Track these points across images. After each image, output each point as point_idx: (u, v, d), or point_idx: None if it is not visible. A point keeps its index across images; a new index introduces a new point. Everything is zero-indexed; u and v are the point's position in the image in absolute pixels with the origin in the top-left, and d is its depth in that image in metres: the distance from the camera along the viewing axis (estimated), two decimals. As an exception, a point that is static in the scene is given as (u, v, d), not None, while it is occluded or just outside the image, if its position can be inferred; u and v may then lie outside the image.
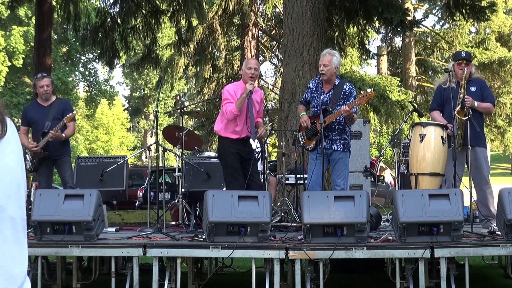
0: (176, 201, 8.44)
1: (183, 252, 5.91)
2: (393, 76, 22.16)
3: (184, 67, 21.88)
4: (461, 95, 6.83)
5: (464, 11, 13.07)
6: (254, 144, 8.77)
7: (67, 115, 7.45)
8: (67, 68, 33.35)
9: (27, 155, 7.64)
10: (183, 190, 7.92)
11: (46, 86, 7.63)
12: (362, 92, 6.82)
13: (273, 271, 5.71)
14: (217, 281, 7.55)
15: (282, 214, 8.08)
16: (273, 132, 12.09)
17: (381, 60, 25.63)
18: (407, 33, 19.56)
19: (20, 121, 8.13)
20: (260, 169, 8.34)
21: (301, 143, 7.19)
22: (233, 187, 6.78)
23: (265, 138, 8.88)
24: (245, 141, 7.04)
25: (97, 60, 25.83)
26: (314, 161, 6.91)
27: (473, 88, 7.08)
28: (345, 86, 6.98)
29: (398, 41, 26.08)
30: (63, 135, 7.51)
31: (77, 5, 15.73)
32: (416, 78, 25.70)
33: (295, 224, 7.53)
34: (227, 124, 7.01)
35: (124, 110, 48.98)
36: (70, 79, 34.58)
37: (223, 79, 22.69)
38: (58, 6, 15.99)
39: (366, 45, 17.84)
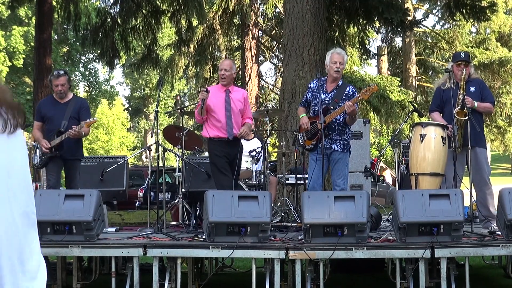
0: (176, 201, 8.44)
1: (183, 252, 5.91)
2: (393, 76, 22.17)
3: (184, 67, 21.89)
4: (461, 95, 6.83)
5: (464, 11, 13.07)
6: (255, 143, 8.78)
7: (87, 120, 7.31)
8: (67, 68, 33.34)
9: (37, 151, 7.50)
10: (183, 190, 7.92)
11: (61, 86, 7.43)
12: (365, 87, 6.84)
13: (273, 271, 5.71)
14: (217, 281, 7.55)
15: (282, 214, 8.08)
16: (273, 132, 12.08)
17: (382, 60, 25.63)
18: (407, 33, 19.59)
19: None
20: (260, 169, 8.35)
21: (301, 143, 7.19)
22: (223, 184, 6.92)
23: (266, 138, 8.88)
24: (230, 142, 7.09)
25: (97, 60, 25.89)
26: (314, 161, 6.92)
27: (472, 89, 7.08)
28: (347, 89, 7.00)
29: (398, 41, 26.12)
30: (82, 132, 7.34)
31: (78, 5, 15.75)
32: (416, 78, 25.71)
33: (295, 224, 7.53)
34: (208, 126, 7.14)
35: (124, 110, 48.95)
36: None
37: (224, 79, 22.66)
38: (59, 6, 16.01)
39: (366, 45, 17.83)
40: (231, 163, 7.12)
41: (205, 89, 7.08)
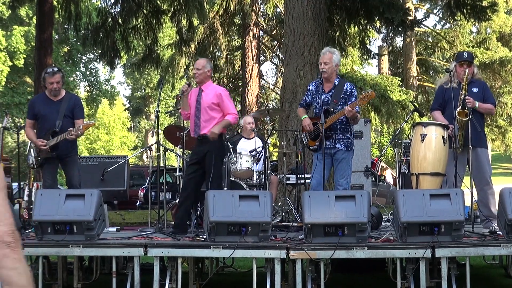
0: (177, 201, 8.44)
1: (184, 252, 5.91)
2: (394, 76, 22.16)
3: (185, 67, 21.87)
4: (462, 95, 6.83)
5: (465, 11, 13.07)
6: (256, 143, 8.78)
7: (85, 123, 7.25)
8: (68, 68, 33.38)
9: (31, 150, 7.39)
10: (184, 190, 7.91)
11: (56, 83, 7.27)
12: (363, 92, 6.84)
13: (274, 271, 5.71)
14: (218, 281, 7.55)
15: (283, 214, 8.08)
16: (274, 132, 12.07)
17: (382, 60, 25.62)
18: (408, 33, 19.59)
19: (21, 121, 7.99)
20: (261, 169, 8.35)
21: (305, 143, 7.20)
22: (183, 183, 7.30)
23: (266, 138, 8.87)
24: (200, 141, 7.12)
25: (98, 60, 25.91)
26: (318, 161, 6.91)
27: (475, 89, 7.07)
28: (345, 86, 7.00)
29: (399, 41, 26.11)
30: (79, 133, 7.25)
31: (78, 5, 15.76)
32: (417, 78, 25.70)
33: (296, 224, 7.53)
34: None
35: (125, 110, 49.01)
36: (71, 79, 34.62)
37: (224, 79, 22.69)
38: (59, 6, 16.01)
39: (367, 45, 17.83)
40: (201, 163, 7.09)
41: (187, 82, 7.21)
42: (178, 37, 18.32)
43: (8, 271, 2.15)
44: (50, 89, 7.33)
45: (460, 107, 6.76)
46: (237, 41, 23.57)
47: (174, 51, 21.26)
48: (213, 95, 7.16)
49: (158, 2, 16.09)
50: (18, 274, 2.17)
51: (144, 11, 15.89)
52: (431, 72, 28.55)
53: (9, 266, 2.15)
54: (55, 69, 7.48)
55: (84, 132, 7.46)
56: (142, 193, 15.25)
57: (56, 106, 7.34)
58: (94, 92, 38.25)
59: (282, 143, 9.16)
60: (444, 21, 28.80)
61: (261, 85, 22.54)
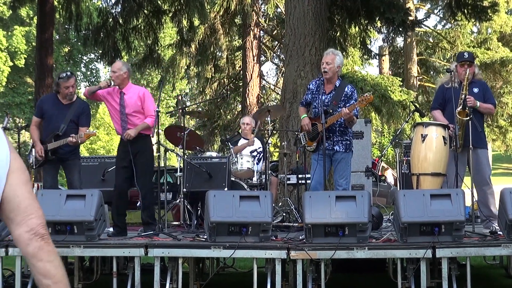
0: (177, 201, 8.45)
1: (184, 252, 5.91)
2: (394, 76, 22.16)
3: (185, 67, 21.88)
4: (463, 95, 6.82)
5: (466, 11, 13.06)
6: (256, 144, 8.78)
7: (87, 131, 7.23)
8: (68, 68, 33.39)
9: (33, 150, 7.37)
10: (184, 190, 7.92)
11: (72, 87, 7.30)
12: (361, 96, 6.84)
13: (274, 271, 5.71)
14: (219, 281, 7.55)
15: (284, 214, 8.08)
16: (274, 132, 12.07)
17: (383, 60, 25.62)
18: (409, 33, 19.56)
19: (22, 121, 7.96)
20: (261, 169, 8.34)
21: (303, 143, 7.19)
22: (115, 184, 7.21)
23: (267, 138, 8.88)
24: (127, 142, 7.04)
25: (98, 60, 25.88)
26: (316, 161, 6.92)
27: (475, 89, 7.06)
28: (346, 89, 6.98)
29: (399, 41, 26.11)
30: (79, 141, 7.25)
31: (79, 5, 15.76)
32: (417, 78, 25.70)
33: (296, 224, 7.53)
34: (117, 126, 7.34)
35: (126, 110, 48.99)
36: (72, 79, 34.58)
37: (225, 79, 22.68)
38: (60, 6, 16.01)
39: (367, 45, 17.85)
40: (129, 163, 7.04)
41: (110, 82, 7.10)
42: (178, 37, 18.32)
43: (45, 263, 2.13)
44: (66, 93, 7.33)
45: (461, 107, 6.75)
46: (238, 41, 23.57)
47: (174, 51, 21.27)
48: (137, 97, 7.15)
49: (159, 2, 16.10)
50: (55, 266, 2.15)
51: (145, 11, 15.89)
52: (431, 72, 28.55)
53: (45, 258, 2.13)
54: (69, 73, 7.50)
55: (85, 141, 7.46)
56: (142, 193, 15.21)
57: (64, 110, 7.35)
58: (95, 92, 38.25)
59: (283, 143, 9.16)
60: (445, 21, 28.78)
61: (261, 85, 22.54)
